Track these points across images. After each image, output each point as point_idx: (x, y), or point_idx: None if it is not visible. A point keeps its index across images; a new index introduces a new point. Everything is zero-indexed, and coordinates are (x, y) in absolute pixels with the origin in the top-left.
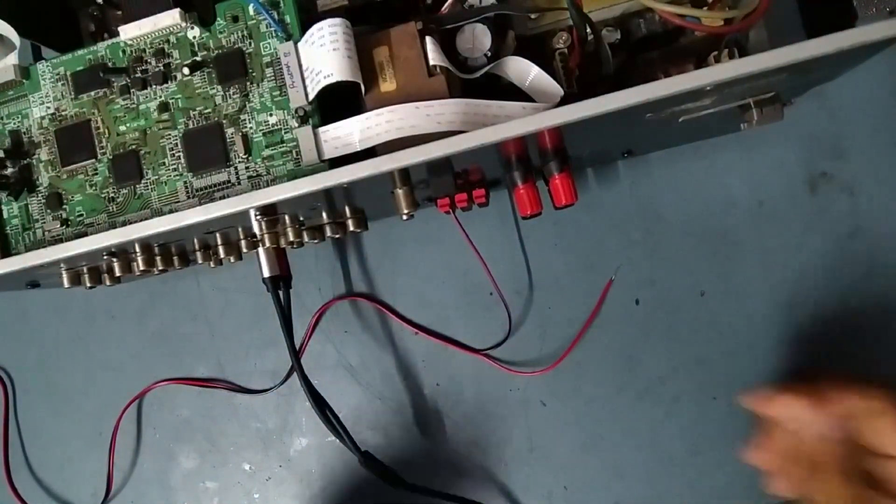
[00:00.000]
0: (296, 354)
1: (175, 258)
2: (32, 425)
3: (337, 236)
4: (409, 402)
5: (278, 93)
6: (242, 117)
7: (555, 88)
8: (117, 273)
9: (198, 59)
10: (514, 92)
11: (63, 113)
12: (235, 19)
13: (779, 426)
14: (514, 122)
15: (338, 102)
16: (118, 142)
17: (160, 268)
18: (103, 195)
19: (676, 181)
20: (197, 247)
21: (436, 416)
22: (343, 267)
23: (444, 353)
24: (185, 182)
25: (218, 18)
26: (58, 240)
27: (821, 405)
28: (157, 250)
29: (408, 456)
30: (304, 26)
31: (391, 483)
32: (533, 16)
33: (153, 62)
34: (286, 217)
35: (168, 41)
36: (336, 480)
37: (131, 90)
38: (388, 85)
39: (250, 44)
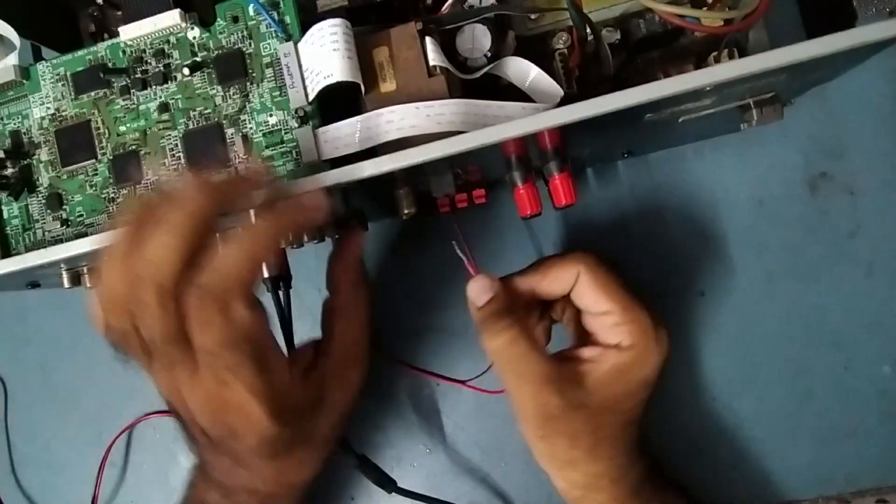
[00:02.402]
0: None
1: None
2: (31, 426)
3: (337, 236)
4: (409, 403)
5: (278, 93)
6: (242, 118)
7: (555, 89)
8: None
9: (198, 59)
10: (514, 92)
11: (63, 113)
12: (235, 20)
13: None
14: (513, 123)
15: (338, 103)
16: (118, 142)
17: None
18: (103, 195)
19: (676, 181)
20: None
21: (436, 416)
22: None
23: (443, 353)
24: None
25: (218, 19)
26: (58, 240)
27: (541, 282)
28: None
29: (407, 457)
30: (304, 26)
31: (386, 488)
32: (533, 16)
33: (153, 62)
34: None
35: (168, 41)
36: (332, 482)
37: (131, 90)
38: (388, 85)
39: (250, 44)
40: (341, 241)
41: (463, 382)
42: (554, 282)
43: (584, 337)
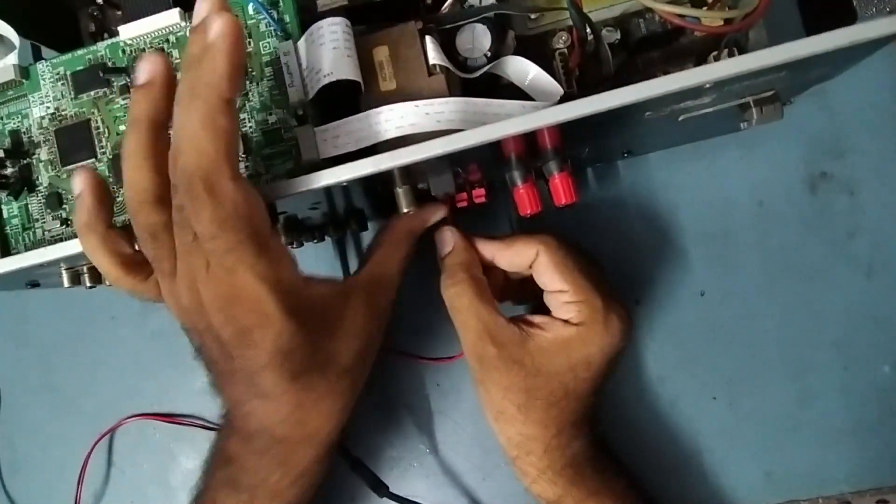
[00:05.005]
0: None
1: None
2: (30, 426)
3: (337, 236)
4: (409, 403)
5: (278, 92)
6: (242, 116)
7: (554, 88)
8: None
9: None
10: (513, 91)
11: (63, 113)
12: None
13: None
14: (513, 120)
15: (337, 101)
16: (118, 141)
17: None
18: None
19: (676, 181)
20: None
21: (436, 416)
22: (343, 267)
23: (443, 353)
24: None
25: None
26: (58, 239)
27: (503, 251)
28: None
29: (407, 457)
30: (304, 26)
31: (378, 492)
32: (533, 16)
33: None
34: (286, 217)
35: (168, 41)
36: (332, 483)
37: (131, 90)
38: (387, 84)
39: (250, 43)
40: (423, 205)
41: (421, 357)
42: (515, 255)
43: (544, 310)
